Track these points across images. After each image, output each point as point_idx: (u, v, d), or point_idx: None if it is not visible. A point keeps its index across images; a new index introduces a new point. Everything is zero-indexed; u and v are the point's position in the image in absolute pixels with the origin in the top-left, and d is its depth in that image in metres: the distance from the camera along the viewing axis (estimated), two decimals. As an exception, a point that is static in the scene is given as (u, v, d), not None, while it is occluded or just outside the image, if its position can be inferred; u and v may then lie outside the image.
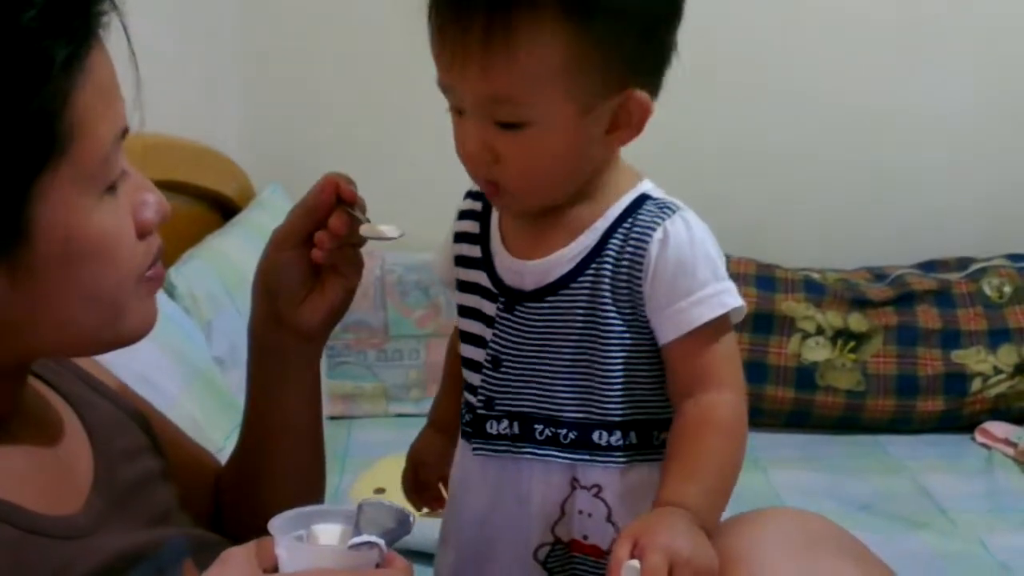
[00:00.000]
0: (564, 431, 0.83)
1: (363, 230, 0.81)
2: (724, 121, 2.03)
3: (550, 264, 0.81)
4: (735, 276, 2.27)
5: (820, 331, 1.88)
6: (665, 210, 0.81)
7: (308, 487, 0.89)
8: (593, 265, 0.80)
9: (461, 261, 0.88)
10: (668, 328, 0.79)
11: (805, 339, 1.87)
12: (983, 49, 2.02)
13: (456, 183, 2.42)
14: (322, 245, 0.80)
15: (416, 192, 2.09)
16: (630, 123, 0.79)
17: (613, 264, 0.80)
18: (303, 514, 0.65)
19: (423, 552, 0.94)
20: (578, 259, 0.81)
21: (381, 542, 0.63)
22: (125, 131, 0.65)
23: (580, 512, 0.84)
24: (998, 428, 1.85)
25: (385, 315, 1.97)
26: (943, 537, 1.52)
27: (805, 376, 1.87)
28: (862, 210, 2.08)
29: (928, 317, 1.89)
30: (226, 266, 1.42)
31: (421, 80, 2.38)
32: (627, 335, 0.81)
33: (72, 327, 0.65)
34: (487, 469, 0.86)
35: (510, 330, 0.83)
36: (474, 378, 0.86)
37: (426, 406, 2.13)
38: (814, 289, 1.92)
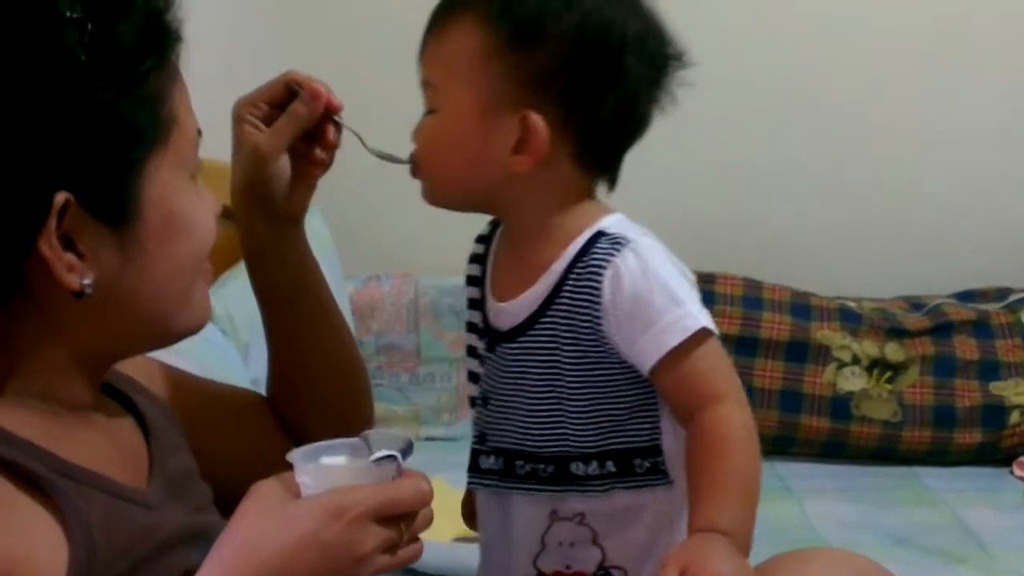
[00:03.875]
0: (543, 466, 0.86)
1: (373, 152, 0.88)
2: (760, 146, 2.02)
3: (518, 306, 0.86)
4: (770, 303, 2.24)
5: (856, 360, 1.86)
6: (616, 245, 0.83)
7: (354, 375, 0.96)
8: (552, 307, 0.84)
9: (468, 303, 0.92)
10: (642, 360, 0.82)
11: (840, 368, 1.86)
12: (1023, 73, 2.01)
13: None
14: (322, 163, 0.88)
15: (446, 218, 2.10)
16: (528, 150, 0.82)
17: (569, 305, 0.83)
18: (312, 449, 0.69)
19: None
20: (539, 301, 0.84)
21: (399, 455, 0.67)
22: (199, 130, 0.74)
23: (560, 544, 0.87)
24: (1038, 462, 1.82)
25: (418, 338, 1.98)
26: (982, 572, 1.49)
27: (840, 406, 1.85)
28: (899, 238, 2.07)
29: (966, 348, 1.87)
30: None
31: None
32: (590, 371, 0.84)
33: (158, 305, 0.71)
34: (486, 502, 0.91)
35: (493, 369, 0.88)
36: (473, 414, 0.91)
37: (457, 430, 2.15)
38: (850, 318, 1.90)
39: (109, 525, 0.65)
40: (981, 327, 1.89)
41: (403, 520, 0.67)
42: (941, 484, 1.78)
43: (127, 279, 0.68)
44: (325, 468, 0.67)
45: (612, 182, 0.88)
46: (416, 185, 2.36)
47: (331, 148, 0.87)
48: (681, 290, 0.82)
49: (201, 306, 0.75)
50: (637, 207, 2.28)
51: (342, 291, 1.85)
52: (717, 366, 0.82)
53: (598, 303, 0.82)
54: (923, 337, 1.88)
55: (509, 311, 0.86)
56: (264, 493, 0.66)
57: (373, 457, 0.66)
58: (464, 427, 1.97)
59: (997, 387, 1.85)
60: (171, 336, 0.75)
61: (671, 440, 0.85)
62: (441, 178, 0.87)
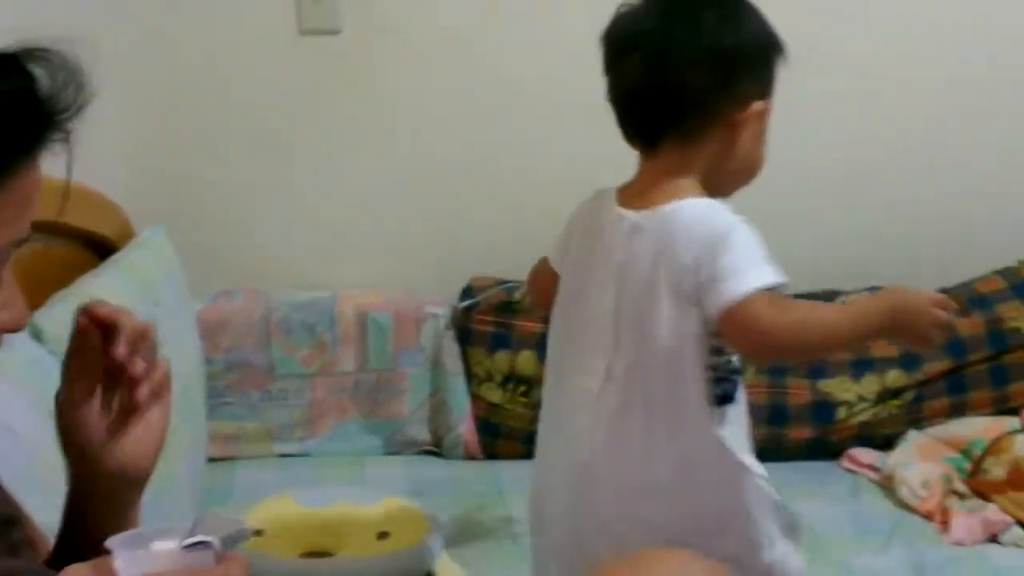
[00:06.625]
0: None
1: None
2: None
3: None
4: None
5: (696, 364, 1.94)
6: None
7: None
8: None
9: None
10: None
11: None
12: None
13: (337, 221, 2.41)
14: (137, 390, 0.75)
15: (299, 233, 2.10)
16: None
17: None
18: (141, 534, 0.66)
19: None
20: None
21: (213, 540, 0.64)
22: (23, 240, 0.66)
23: None
24: (864, 455, 1.93)
25: (270, 354, 1.96)
26: (809, 561, 1.56)
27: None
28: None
29: (796, 348, 1.97)
30: (98, 308, 1.40)
31: (305, 122, 2.37)
32: None
33: None
34: None
35: None
36: None
37: (311, 446, 2.14)
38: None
39: None
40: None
41: None
42: (775, 478, 1.84)
43: None
44: (137, 555, 0.64)
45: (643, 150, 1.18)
46: (263, 204, 2.32)
47: (136, 370, 0.74)
48: None
49: None
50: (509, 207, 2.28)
51: (188, 309, 1.82)
52: None
53: None
54: (758, 339, 1.97)
55: None
56: None
57: (184, 543, 0.64)
58: (317, 443, 1.97)
59: (825, 385, 1.95)
60: None
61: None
62: None
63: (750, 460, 1.18)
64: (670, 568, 0.95)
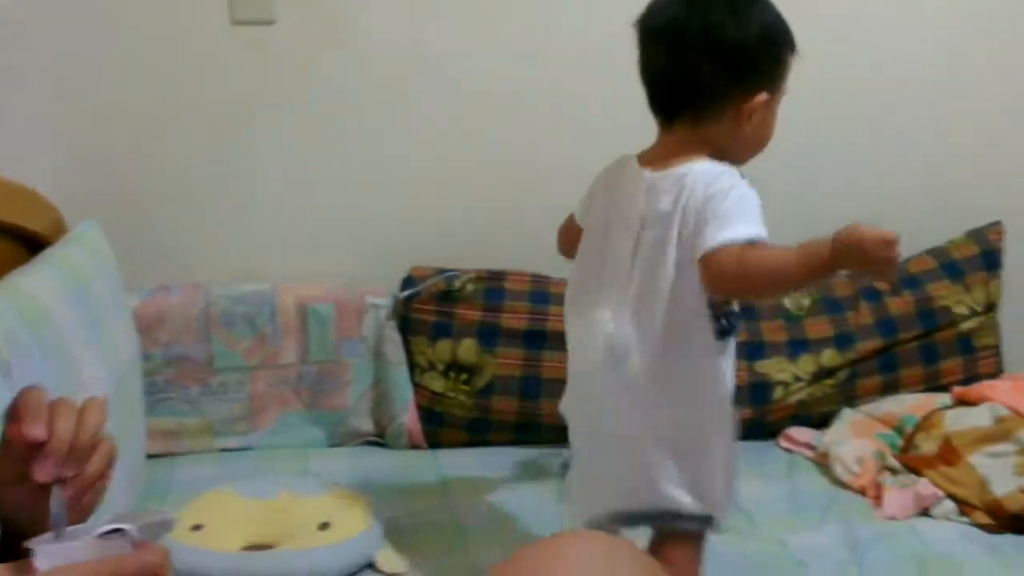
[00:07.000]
0: None
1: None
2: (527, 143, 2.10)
3: None
4: (512, 293, 2.36)
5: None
6: None
7: None
8: None
9: None
10: None
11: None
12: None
13: (274, 213, 2.39)
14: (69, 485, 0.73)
15: (237, 226, 2.08)
16: None
17: None
18: (66, 532, 0.66)
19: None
20: None
21: (128, 527, 0.64)
22: None
23: None
24: (800, 433, 1.96)
25: (210, 348, 1.95)
26: (745, 539, 1.60)
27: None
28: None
29: (733, 330, 2.00)
30: (28, 304, 1.37)
31: (241, 114, 2.34)
32: None
33: None
34: None
35: None
36: None
37: (252, 439, 2.13)
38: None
39: None
40: (746, 310, 2.02)
41: None
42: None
43: None
44: (54, 549, 0.64)
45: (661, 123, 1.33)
46: (198, 198, 2.30)
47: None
48: None
49: None
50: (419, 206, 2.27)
51: (123, 304, 1.80)
52: None
53: None
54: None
55: None
56: None
57: (96, 532, 0.64)
58: (260, 436, 1.96)
59: (762, 365, 1.98)
60: None
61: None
62: None
63: (729, 392, 1.32)
64: (580, 551, 0.96)
